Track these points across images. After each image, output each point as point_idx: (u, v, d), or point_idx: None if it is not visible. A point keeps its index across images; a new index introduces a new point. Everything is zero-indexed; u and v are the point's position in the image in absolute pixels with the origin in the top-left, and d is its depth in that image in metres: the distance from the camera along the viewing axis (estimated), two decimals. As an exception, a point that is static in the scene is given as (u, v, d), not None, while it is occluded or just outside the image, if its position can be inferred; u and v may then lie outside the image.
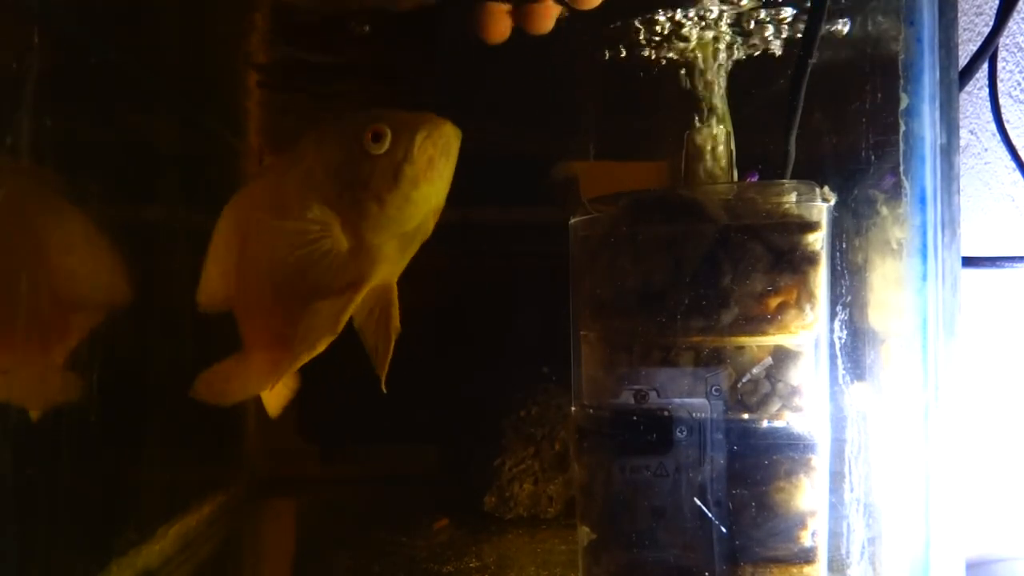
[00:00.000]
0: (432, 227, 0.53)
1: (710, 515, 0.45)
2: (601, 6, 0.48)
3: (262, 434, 0.86)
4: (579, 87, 0.69)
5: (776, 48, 0.56)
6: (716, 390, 0.45)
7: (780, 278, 0.46)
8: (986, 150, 0.80)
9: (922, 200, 0.45)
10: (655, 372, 0.46)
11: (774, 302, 0.45)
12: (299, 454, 0.87)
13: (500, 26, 0.50)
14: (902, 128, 0.45)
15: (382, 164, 0.50)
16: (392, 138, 0.50)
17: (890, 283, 0.48)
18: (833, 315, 0.48)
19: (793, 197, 0.47)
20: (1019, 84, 0.79)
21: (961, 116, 0.54)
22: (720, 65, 0.54)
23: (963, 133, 0.79)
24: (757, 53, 0.57)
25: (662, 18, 0.52)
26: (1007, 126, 0.65)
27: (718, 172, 0.52)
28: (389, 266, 0.53)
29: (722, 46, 0.55)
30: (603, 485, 0.49)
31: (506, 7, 0.50)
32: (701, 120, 0.53)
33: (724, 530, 0.45)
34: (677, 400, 0.46)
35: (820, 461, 0.47)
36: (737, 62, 0.57)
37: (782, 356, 0.46)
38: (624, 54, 0.57)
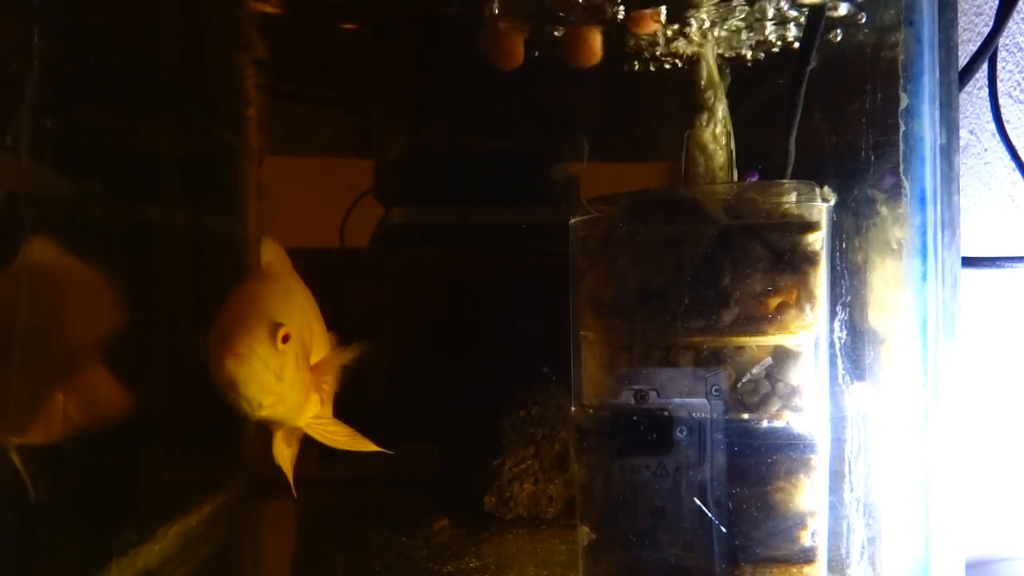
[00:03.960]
0: (302, 398, 0.59)
1: (710, 515, 0.45)
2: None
3: (262, 434, 0.86)
4: (579, 88, 0.69)
5: (776, 48, 0.56)
6: (716, 390, 0.45)
7: (780, 278, 0.46)
8: (986, 150, 0.80)
9: (922, 200, 0.45)
10: (655, 372, 0.46)
11: (774, 302, 0.45)
12: (299, 454, 0.87)
13: (515, 51, 0.46)
14: (902, 128, 0.45)
15: None
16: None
17: (890, 283, 0.48)
18: (833, 315, 0.48)
19: (793, 197, 0.47)
20: (1019, 84, 0.79)
21: (961, 116, 0.54)
22: (720, 65, 0.54)
23: (963, 133, 0.79)
24: (757, 53, 0.57)
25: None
26: (1007, 126, 0.65)
27: (718, 172, 0.52)
28: (279, 424, 0.60)
29: (722, 46, 0.55)
30: (603, 485, 0.49)
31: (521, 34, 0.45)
32: (701, 120, 0.53)
33: (724, 530, 0.45)
34: (677, 400, 0.46)
35: (820, 461, 0.47)
36: (737, 61, 0.57)
37: (782, 356, 0.46)
38: (625, 55, 0.57)
